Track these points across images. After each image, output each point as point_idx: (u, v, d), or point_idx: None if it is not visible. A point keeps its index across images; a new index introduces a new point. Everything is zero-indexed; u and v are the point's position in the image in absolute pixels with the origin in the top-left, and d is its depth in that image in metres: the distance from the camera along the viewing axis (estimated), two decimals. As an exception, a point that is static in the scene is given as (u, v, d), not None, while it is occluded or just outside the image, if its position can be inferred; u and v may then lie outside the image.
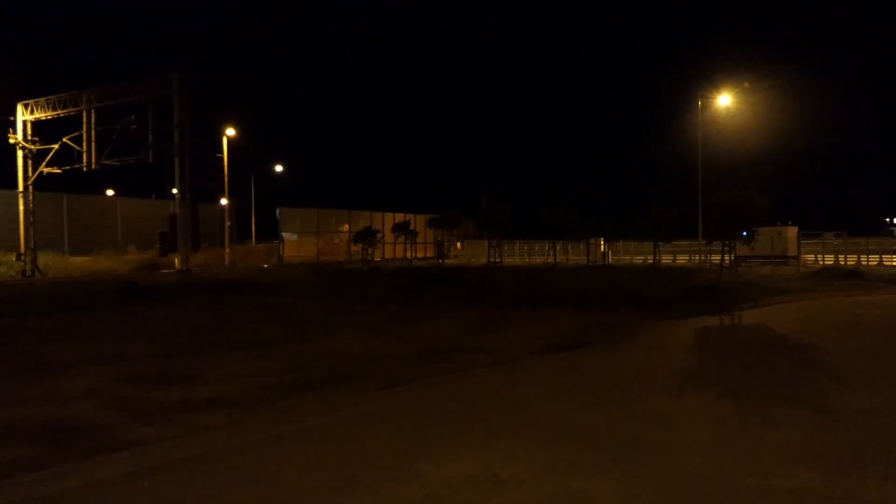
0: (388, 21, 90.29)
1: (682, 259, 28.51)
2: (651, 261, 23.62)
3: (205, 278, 20.82)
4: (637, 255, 29.79)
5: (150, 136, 25.78)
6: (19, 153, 27.50)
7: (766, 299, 13.25)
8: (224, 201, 38.46)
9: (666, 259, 25.89)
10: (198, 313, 12.66)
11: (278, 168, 47.90)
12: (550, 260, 27.05)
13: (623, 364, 7.16)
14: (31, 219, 27.42)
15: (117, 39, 75.47)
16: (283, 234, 38.24)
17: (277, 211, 38.89)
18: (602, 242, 28.18)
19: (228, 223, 36.78)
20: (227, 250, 35.17)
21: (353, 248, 33.10)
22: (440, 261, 27.19)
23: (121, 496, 3.41)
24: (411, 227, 26.39)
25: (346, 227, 40.78)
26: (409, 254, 29.39)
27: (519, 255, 35.41)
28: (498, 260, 23.38)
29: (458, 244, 39.24)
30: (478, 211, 26.94)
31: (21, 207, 27.55)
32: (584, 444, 4.15)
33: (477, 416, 4.94)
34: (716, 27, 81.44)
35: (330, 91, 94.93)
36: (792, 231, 26.18)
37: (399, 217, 34.25)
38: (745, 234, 16.40)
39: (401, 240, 29.07)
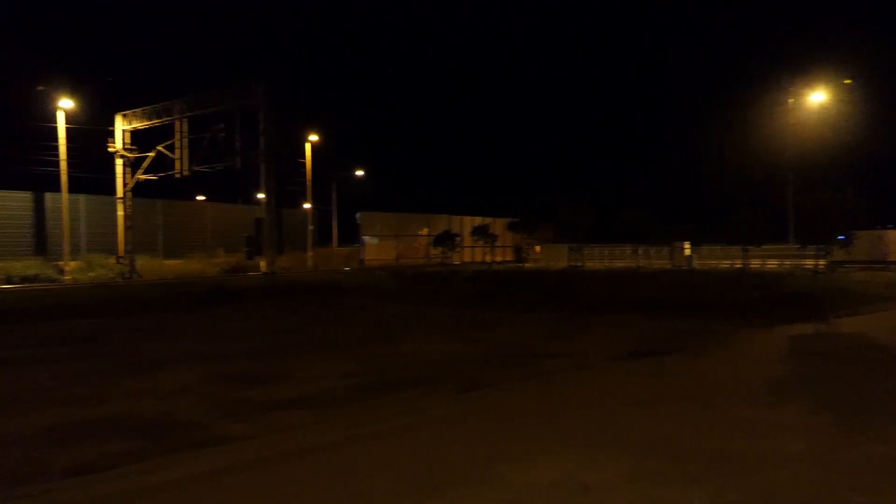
0: (471, 26, 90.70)
1: (771, 263, 27.38)
2: (739, 265, 22.81)
3: (288, 281, 21.42)
4: (724, 260, 28.82)
5: (237, 143, 26.72)
6: (118, 161, 29.05)
7: (864, 307, 12.55)
8: (307, 206, 39.49)
9: (754, 263, 24.92)
10: (282, 315, 13.02)
11: (359, 173, 48.83)
12: (633, 264, 26.52)
13: (710, 372, 6.92)
14: (129, 223, 28.92)
15: (207, 48, 78.67)
16: (363, 237, 38.90)
17: (358, 215, 39.62)
18: (687, 246, 27.41)
19: (311, 227, 37.75)
20: (310, 254, 36.08)
21: (432, 251, 33.38)
22: (519, 264, 27.05)
23: (217, 489, 3.52)
24: (490, 231, 26.37)
25: (426, 230, 41.11)
26: (487, 257, 29.38)
27: (599, 258, 34.86)
28: (579, 264, 23.07)
29: (538, 248, 38.96)
30: (555, 214, 26.68)
31: (120, 213, 29.09)
32: (671, 454, 4.01)
33: (557, 422, 4.87)
34: (811, 21, 77.92)
35: (409, 96, 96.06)
36: (893, 234, 24.77)
37: (477, 220, 34.33)
38: (842, 237, 15.54)
39: (479, 243, 29.10)
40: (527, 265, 29.16)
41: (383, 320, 11.86)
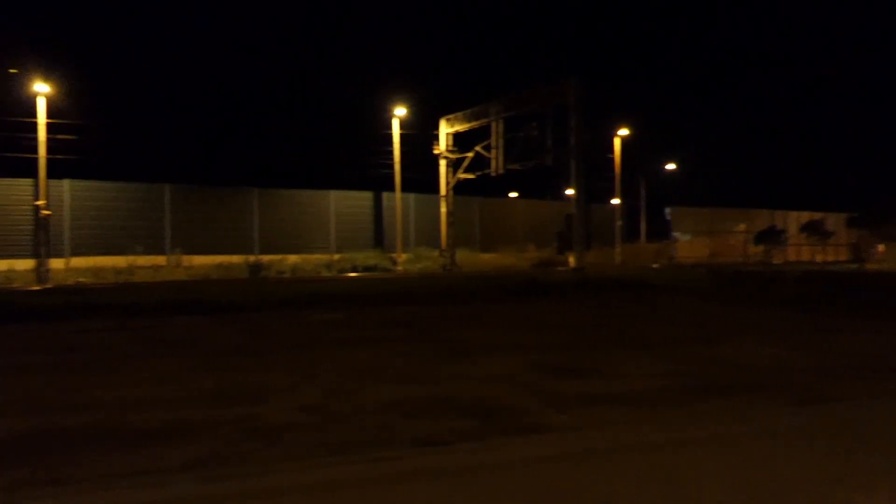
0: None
1: None
2: None
3: (597, 276, 21.43)
4: None
5: (549, 141, 27.45)
6: (442, 162, 31.75)
7: None
8: (615, 201, 39.16)
9: None
10: (592, 310, 13.05)
11: (669, 166, 47.06)
12: None
13: None
14: (451, 219, 31.47)
15: (519, 49, 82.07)
16: (673, 233, 37.45)
17: (667, 210, 38.26)
18: None
19: (619, 223, 37.39)
20: (618, 249, 35.76)
21: (751, 249, 30.88)
22: (857, 265, 23.79)
23: (545, 475, 3.62)
24: (824, 227, 23.59)
25: (743, 226, 38.20)
26: (817, 256, 26.34)
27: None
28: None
29: (880, 247, 33.87)
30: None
31: (443, 209, 31.79)
32: None
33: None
34: None
35: (718, 84, 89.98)
36: None
37: (805, 216, 30.91)
38: None
39: (806, 241, 26.17)
40: (868, 266, 25.46)
41: (699, 320, 11.23)
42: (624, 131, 38.87)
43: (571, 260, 26.92)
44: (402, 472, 3.60)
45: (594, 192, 39.30)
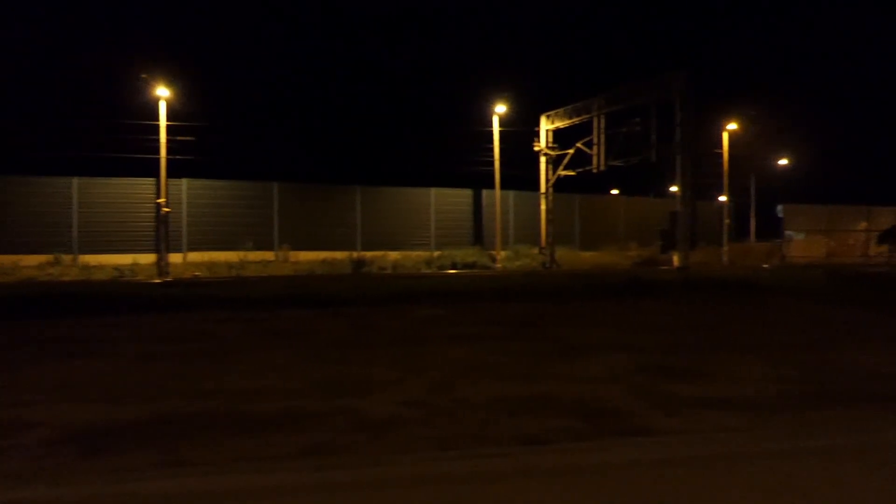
0: None
1: None
2: None
3: (703, 276, 20.70)
4: None
5: (653, 136, 26.71)
6: (542, 159, 31.51)
7: None
8: (722, 198, 37.68)
9: None
10: (697, 311, 12.62)
11: (781, 162, 44.83)
12: None
13: None
14: (550, 217, 31.20)
15: (621, 44, 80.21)
16: (786, 232, 35.65)
17: (779, 208, 36.43)
18: None
19: (727, 221, 35.94)
20: (725, 248, 34.41)
21: (873, 248, 28.99)
22: None
23: (655, 479, 3.54)
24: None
25: (864, 224, 35.90)
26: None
27: None
28: None
29: None
30: None
31: (542, 207, 31.56)
32: None
33: None
34: None
35: (837, 74, 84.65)
36: None
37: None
38: None
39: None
40: None
41: (814, 324, 10.65)
42: (732, 126, 37.33)
43: (676, 259, 26.12)
44: (508, 469, 3.61)
45: (700, 189, 37.99)
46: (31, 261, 26.33)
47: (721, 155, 37.18)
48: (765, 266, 31.11)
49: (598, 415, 4.80)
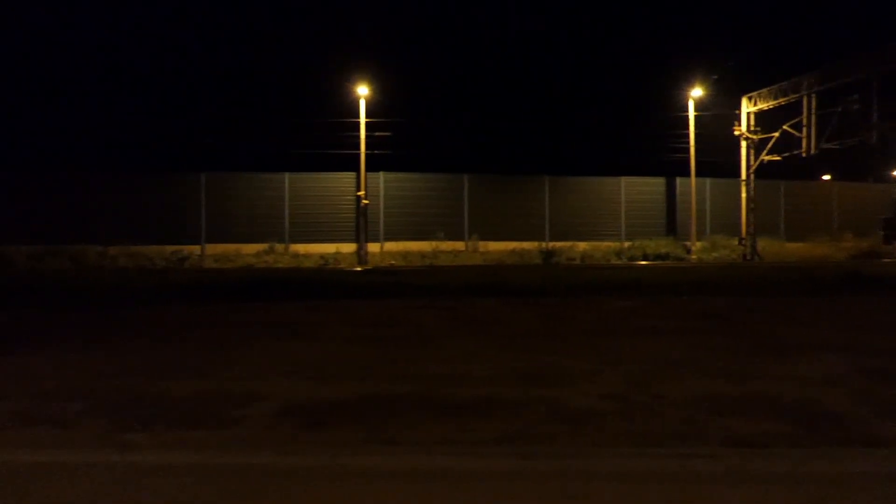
0: None
1: None
2: None
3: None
4: None
5: (873, 115, 24.04)
6: (742, 144, 29.51)
7: None
8: (962, 182, 33.05)
9: None
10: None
11: None
12: None
13: None
14: (752, 205, 29.16)
15: (826, 18, 72.65)
16: None
17: None
18: None
19: (968, 207, 31.46)
20: (965, 239, 30.13)
21: None
22: None
23: (888, 495, 3.22)
24: None
25: None
26: None
27: None
28: None
29: None
30: None
31: (743, 195, 29.58)
32: None
33: None
34: None
35: None
36: None
37: None
38: None
39: None
40: None
41: None
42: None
43: (901, 251, 23.34)
44: (718, 471, 3.45)
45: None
46: (249, 249, 29.19)
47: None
48: None
49: (816, 419, 4.43)
